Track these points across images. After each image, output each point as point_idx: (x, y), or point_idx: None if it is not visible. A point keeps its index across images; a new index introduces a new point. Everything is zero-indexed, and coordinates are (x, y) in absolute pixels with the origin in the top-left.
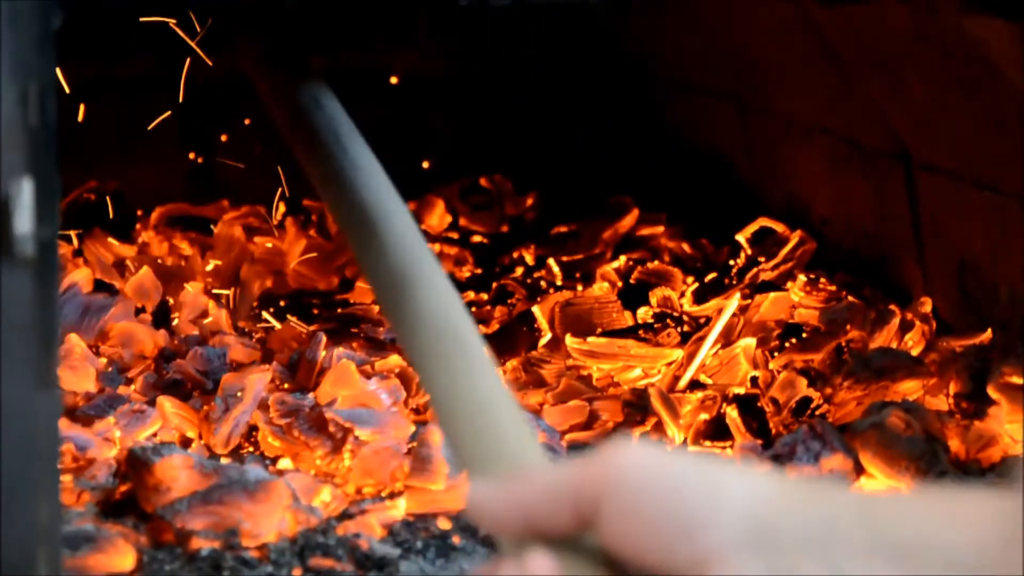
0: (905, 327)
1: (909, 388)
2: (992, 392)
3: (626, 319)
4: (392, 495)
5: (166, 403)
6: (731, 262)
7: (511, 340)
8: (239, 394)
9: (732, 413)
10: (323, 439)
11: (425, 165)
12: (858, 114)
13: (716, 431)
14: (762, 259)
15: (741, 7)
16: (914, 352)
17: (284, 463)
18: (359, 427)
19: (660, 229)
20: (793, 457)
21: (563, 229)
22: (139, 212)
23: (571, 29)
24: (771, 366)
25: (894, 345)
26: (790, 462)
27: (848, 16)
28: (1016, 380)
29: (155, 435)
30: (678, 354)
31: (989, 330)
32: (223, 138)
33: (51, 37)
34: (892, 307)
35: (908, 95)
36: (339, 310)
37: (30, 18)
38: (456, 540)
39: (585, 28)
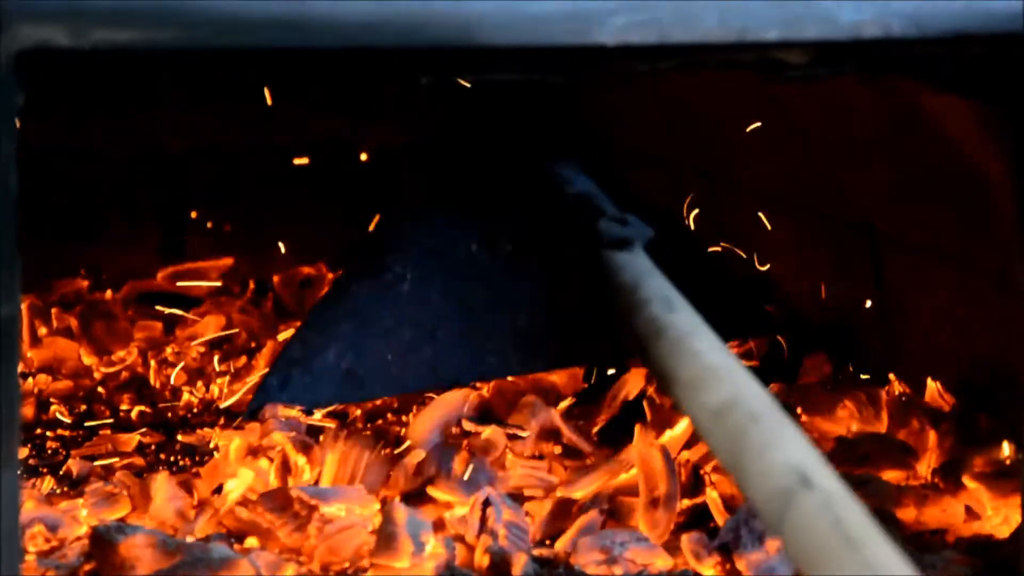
0: (875, 402)
1: (893, 477)
2: (968, 482)
3: None
4: (358, 572)
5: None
6: None
7: None
8: None
9: (712, 494)
10: (288, 516)
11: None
12: (822, 187)
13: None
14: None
15: (706, 81)
16: (883, 428)
17: (250, 541)
18: (324, 504)
19: None
20: (739, 544)
21: None
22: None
23: (533, 101)
24: None
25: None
26: (736, 550)
27: (811, 93)
28: (988, 469)
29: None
30: None
31: (959, 402)
32: (192, 215)
33: (12, 114)
34: (872, 389)
35: (872, 170)
36: None
37: None
38: None
39: (548, 100)
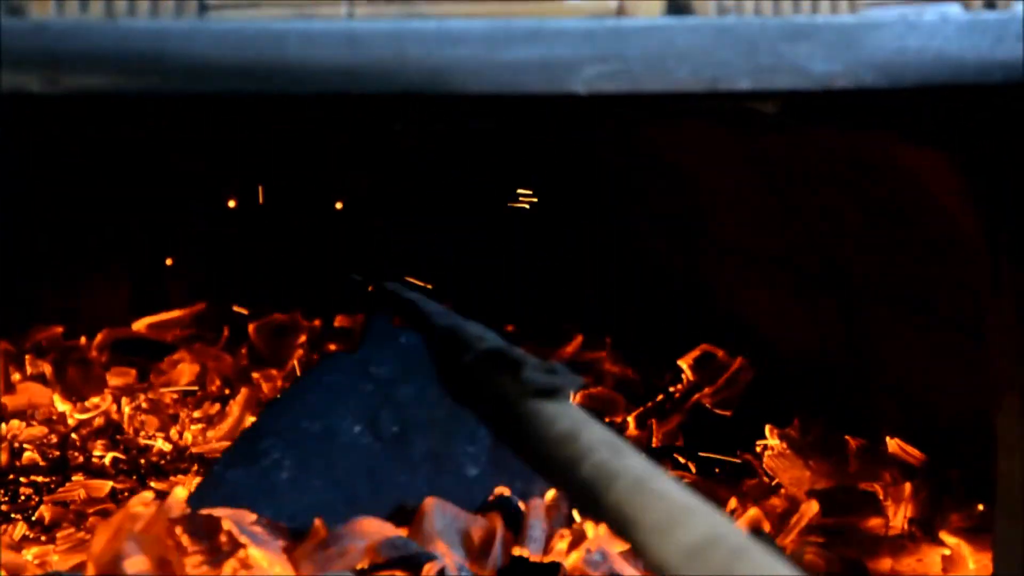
0: (845, 453)
1: (868, 528)
2: (946, 537)
3: None
4: None
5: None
6: (671, 388)
7: None
8: None
9: None
10: (206, 546)
11: None
12: (795, 239)
13: None
14: (704, 385)
15: (684, 133)
16: (853, 480)
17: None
18: (254, 547)
19: (603, 354)
20: None
21: None
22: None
23: (510, 153)
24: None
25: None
26: None
27: (783, 144)
28: (965, 524)
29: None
30: None
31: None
32: (168, 262)
33: None
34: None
35: (844, 220)
36: None
37: None
38: None
39: (526, 152)
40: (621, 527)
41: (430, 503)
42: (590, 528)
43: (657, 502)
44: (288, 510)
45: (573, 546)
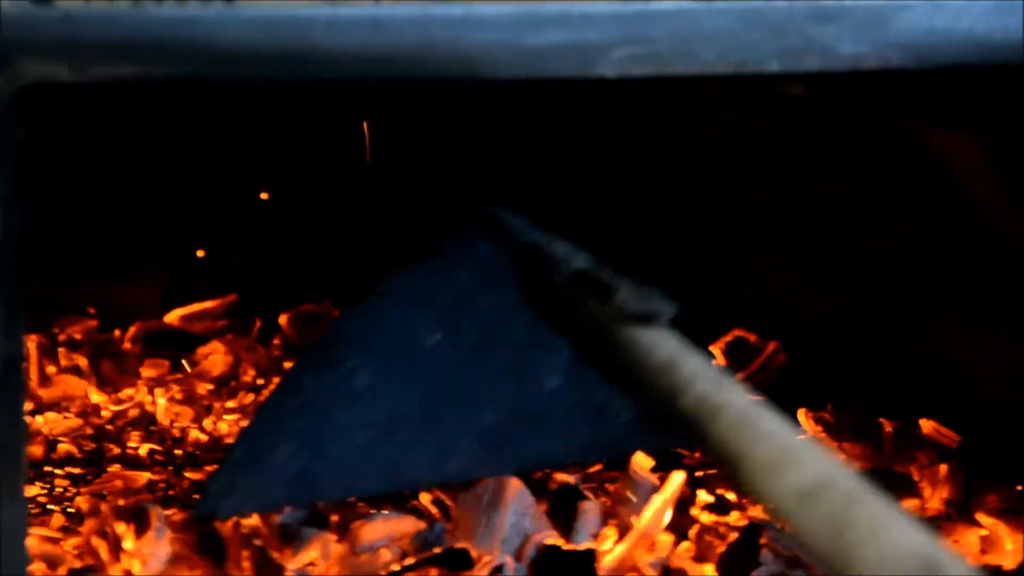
0: (879, 436)
1: (910, 508)
2: (982, 519)
3: None
4: None
5: None
6: None
7: None
8: None
9: None
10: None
11: None
12: (825, 222)
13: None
14: (736, 371)
15: (712, 117)
16: (887, 462)
17: None
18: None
19: None
20: None
21: None
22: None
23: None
24: None
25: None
26: None
27: (815, 129)
28: (1001, 505)
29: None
30: None
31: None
32: (200, 253)
33: (14, 150)
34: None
35: (874, 204)
36: None
37: None
38: None
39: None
40: (727, 462)
41: (515, 486)
42: (638, 520)
43: (766, 440)
44: (366, 417)
45: (620, 538)
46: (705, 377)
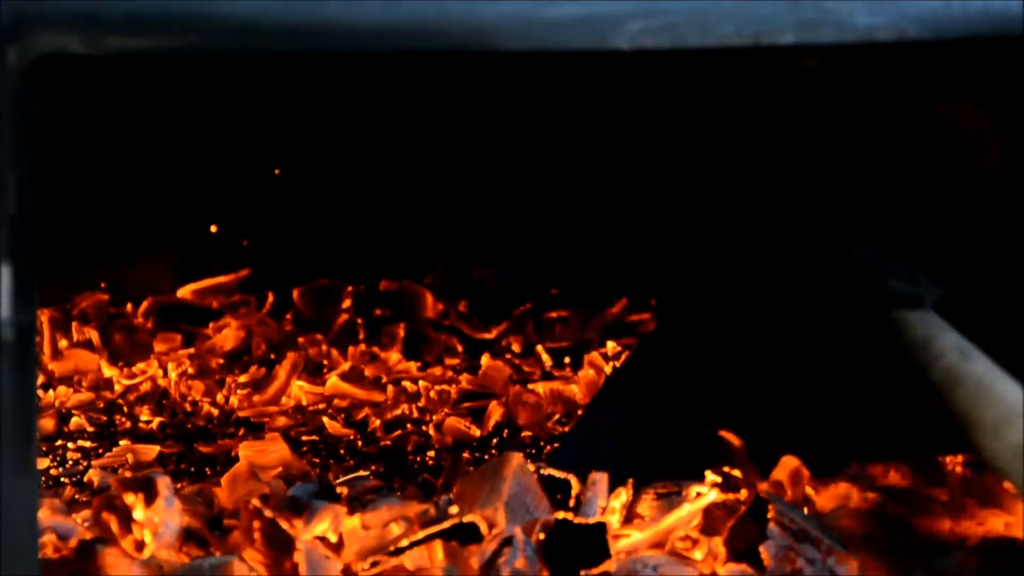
0: None
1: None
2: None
3: None
4: None
5: None
6: None
7: None
8: None
9: None
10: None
11: None
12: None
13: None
14: None
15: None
16: None
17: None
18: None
19: (647, 316)
20: None
21: (552, 315)
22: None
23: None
24: None
25: None
26: None
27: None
28: None
29: None
30: None
31: None
32: (213, 229)
33: (30, 121)
34: None
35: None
36: None
37: (8, 109)
38: None
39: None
40: (964, 427)
41: (517, 460)
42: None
43: (994, 403)
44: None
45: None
46: (953, 350)
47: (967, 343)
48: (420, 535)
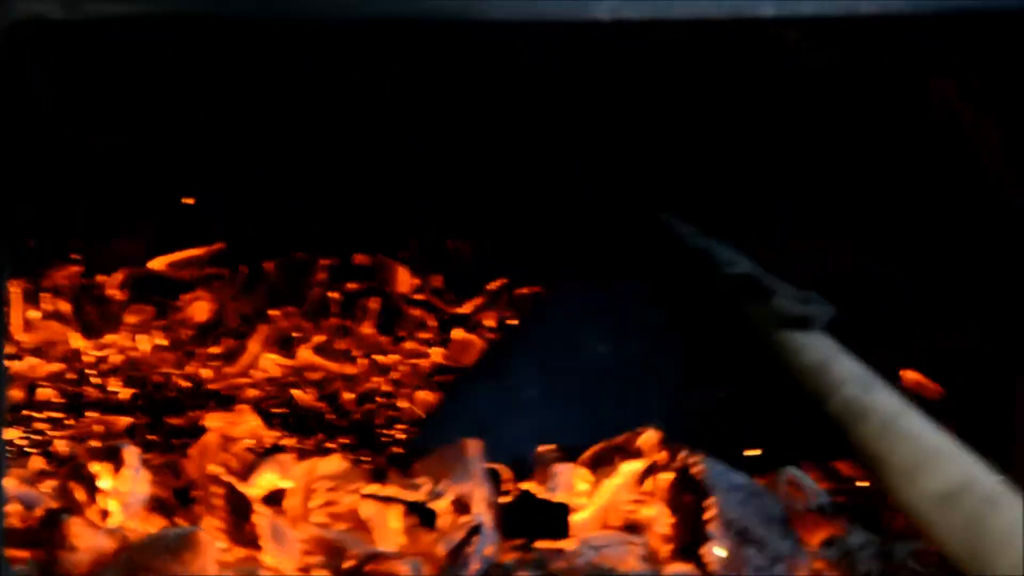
0: None
1: None
2: None
3: None
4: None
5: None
6: None
7: None
8: None
9: None
10: None
11: None
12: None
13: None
14: None
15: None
16: None
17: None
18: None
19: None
20: None
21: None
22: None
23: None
24: None
25: None
26: None
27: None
28: None
29: None
30: None
31: None
32: (186, 200)
33: (6, 86)
34: None
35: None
36: None
37: None
38: None
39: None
40: (870, 466)
41: (476, 446)
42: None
43: (905, 443)
44: (535, 428)
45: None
46: (853, 380)
47: (868, 372)
48: (390, 491)
